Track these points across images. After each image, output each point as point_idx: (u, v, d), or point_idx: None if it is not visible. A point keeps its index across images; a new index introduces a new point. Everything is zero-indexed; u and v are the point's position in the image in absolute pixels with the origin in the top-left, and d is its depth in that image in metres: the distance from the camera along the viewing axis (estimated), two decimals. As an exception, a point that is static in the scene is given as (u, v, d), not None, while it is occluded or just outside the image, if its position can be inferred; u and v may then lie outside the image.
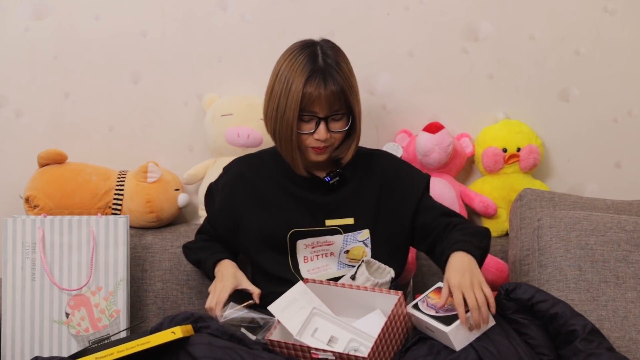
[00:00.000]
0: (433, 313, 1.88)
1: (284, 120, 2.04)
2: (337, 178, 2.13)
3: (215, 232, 2.25)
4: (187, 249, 2.31)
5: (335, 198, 2.13)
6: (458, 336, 1.83)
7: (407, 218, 2.13)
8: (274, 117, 2.06)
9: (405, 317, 1.91)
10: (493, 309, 1.86)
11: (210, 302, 2.05)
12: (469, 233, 2.04)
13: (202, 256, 2.23)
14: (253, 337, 1.89)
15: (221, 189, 2.19)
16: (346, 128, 2.07)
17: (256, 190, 2.15)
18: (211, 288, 2.11)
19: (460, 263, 1.91)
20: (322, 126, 2.04)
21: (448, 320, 1.85)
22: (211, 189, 2.23)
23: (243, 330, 1.92)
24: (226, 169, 2.22)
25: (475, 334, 1.85)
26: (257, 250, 2.14)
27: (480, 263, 1.97)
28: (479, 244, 2.00)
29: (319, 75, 2.01)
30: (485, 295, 1.85)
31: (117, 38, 2.53)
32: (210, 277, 2.19)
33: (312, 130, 2.05)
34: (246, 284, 2.11)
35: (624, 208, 2.41)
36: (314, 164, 2.13)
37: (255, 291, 2.08)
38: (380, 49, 2.57)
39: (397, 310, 1.88)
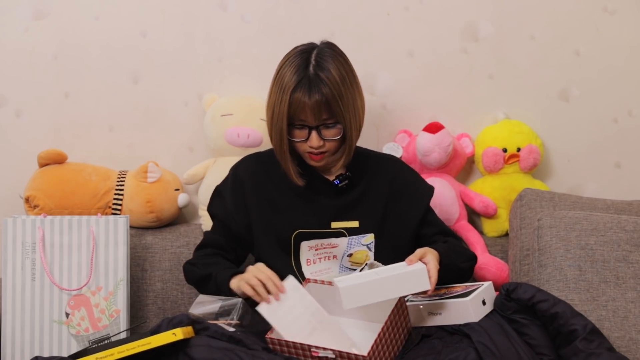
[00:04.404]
0: (437, 298, 1.91)
1: (277, 127, 2.05)
2: (347, 181, 2.13)
3: (226, 237, 2.16)
4: (191, 265, 2.15)
5: (343, 201, 2.13)
6: (476, 307, 1.88)
7: (412, 226, 2.15)
8: (270, 123, 2.07)
9: (406, 317, 1.91)
10: (431, 285, 1.89)
11: (259, 282, 1.90)
12: (453, 249, 2.08)
13: (213, 270, 2.07)
14: (231, 329, 1.87)
15: (231, 186, 2.17)
16: (338, 137, 2.07)
17: (264, 188, 2.15)
18: (247, 279, 1.93)
19: (427, 249, 1.98)
20: (313, 134, 2.04)
21: (460, 297, 1.89)
22: (219, 190, 2.19)
23: (221, 324, 1.90)
24: (235, 166, 2.21)
25: (487, 308, 1.91)
26: (262, 249, 2.13)
27: (446, 274, 1.98)
28: (454, 258, 2.04)
29: (305, 85, 2.01)
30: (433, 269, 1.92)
31: (117, 38, 2.53)
32: (223, 290, 2.02)
33: (305, 138, 2.05)
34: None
35: (624, 208, 2.41)
36: (320, 167, 2.13)
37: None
38: (380, 49, 2.57)
39: (397, 310, 1.88)
